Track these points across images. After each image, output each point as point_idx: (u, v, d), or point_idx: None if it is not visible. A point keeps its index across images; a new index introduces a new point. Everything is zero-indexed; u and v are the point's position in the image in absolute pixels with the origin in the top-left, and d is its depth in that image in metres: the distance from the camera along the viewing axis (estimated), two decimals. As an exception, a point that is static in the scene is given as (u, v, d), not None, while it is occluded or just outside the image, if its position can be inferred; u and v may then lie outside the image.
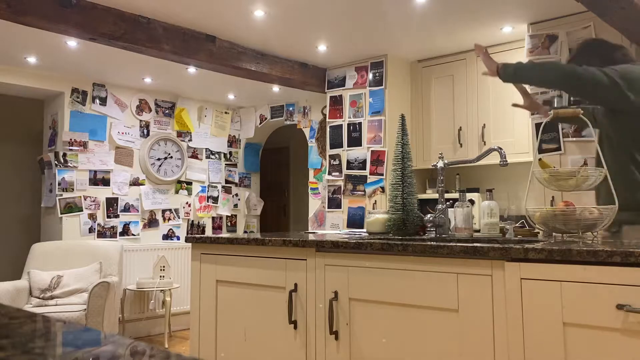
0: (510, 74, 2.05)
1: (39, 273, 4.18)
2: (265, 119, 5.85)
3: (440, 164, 2.27)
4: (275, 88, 5.12)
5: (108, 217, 4.96)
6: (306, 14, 3.51)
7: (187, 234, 5.54)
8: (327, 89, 4.70)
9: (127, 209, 5.10)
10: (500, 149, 2.19)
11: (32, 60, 4.25)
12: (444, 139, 4.29)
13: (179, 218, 5.49)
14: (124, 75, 4.78)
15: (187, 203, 5.57)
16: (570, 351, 1.39)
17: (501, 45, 4.03)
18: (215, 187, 5.83)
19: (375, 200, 4.29)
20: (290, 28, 3.76)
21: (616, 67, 1.94)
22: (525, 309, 1.46)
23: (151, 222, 5.28)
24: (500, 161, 2.19)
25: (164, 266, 4.89)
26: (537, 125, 3.56)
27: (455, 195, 3.89)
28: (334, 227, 4.54)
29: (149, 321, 5.16)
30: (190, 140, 5.63)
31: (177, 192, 5.50)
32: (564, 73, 1.95)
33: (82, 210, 4.80)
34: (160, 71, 4.61)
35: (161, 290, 4.87)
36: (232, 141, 6.04)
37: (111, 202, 4.99)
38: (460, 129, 4.19)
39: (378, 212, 2.27)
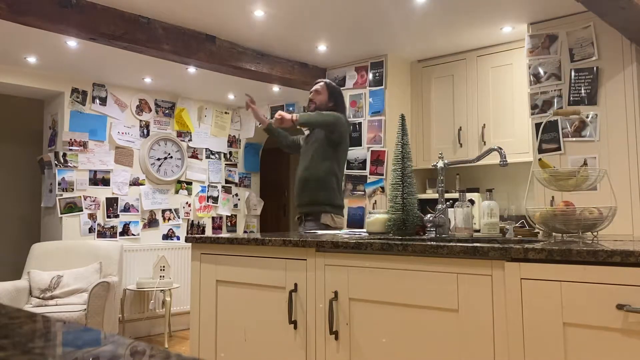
0: (302, 121, 2.94)
1: (39, 273, 4.18)
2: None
3: (440, 164, 2.27)
4: (275, 88, 5.12)
5: (108, 217, 4.96)
6: (306, 14, 3.51)
7: (187, 234, 5.54)
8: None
9: (127, 209, 5.10)
10: (500, 149, 2.19)
11: (32, 60, 4.25)
12: (444, 139, 4.29)
13: (179, 218, 5.49)
14: (124, 75, 4.78)
15: (187, 203, 5.57)
16: (570, 351, 1.39)
17: (501, 45, 4.04)
18: (215, 187, 5.83)
19: (375, 200, 4.29)
20: (290, 28, 3.76)
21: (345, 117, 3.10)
22: (525, 309, 1.46)
23: (151, 222, 5.28)
24: (500, 161, 2.19)
25: (164, 266, 4.89)
26: (537, 125, 3.56)
27: (455, 195, 3.89)
28: (334, 227, 4.54)
29: (149, 321, 5.16)
30: (190, 140, 5.63)
31: (177, 192, 5.50)
32: (325, 119, 2.97)
33: (82, 210, 4.80)
34: (160, 71, 4.61)
35: (161, 290, 4.87)
36: (232, 141, 6.04)
37: (111, 202, 4.99)
38: (460, 129, 4.19)
39: (378, 212, 2.27)
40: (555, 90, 3.50)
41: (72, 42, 3.83)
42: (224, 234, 2.46)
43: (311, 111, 3.11)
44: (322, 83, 3.19)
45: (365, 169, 4.37)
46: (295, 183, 3.14)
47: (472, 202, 3.98)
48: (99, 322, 3.96)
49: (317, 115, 2.96)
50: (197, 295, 2.32)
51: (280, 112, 2.92)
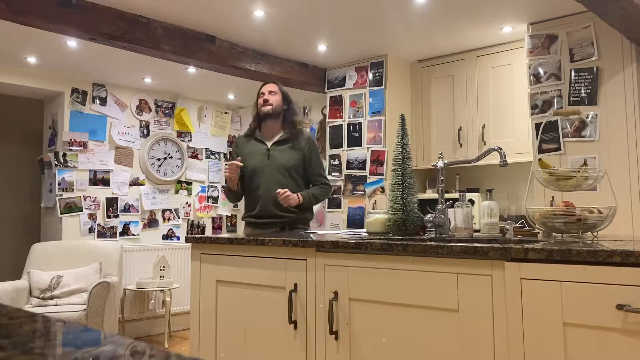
0: (305, 203, 2.88)
1: (39, 273, 4.18)
2: (265, 119, 5.84)
3: (440, 164, 2.27)
4: (275, 88, 5.12)
5: (108, 217, 4.96)
6: (306, 14, 3.51)
7: (187, 234, 5.54)
8: (327, 89, 4.70)
9: (127, 209, 5.10)
10: (500, 149, 2.19)
11: (32, 60, 4.25)
12: (444, 139, 4.29)
13: (179, 218, 5.49)
14: (124, 75, 4.78)
15: (187, 203, 5.57)
16: (570, 351, 1.39)
17: (501, 45, 4.03)
18: (215, 187, 5.83)
19: (375, 200, 4.29)
20: (290, 28, 3.76)
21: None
22: (525, 309, 1.46)
23: (151, 222, 5.28)
24: (500, 161, 2.19)
25: (164, 266, 4.89)
26: (537, 125, 3.56)
27: (455, 195, 3.89)
28: (334, 227, 4.54)
29: (149, 321, 5.16)
30: (190, 140, 5.63)
31: (177, 192, 5.50)
32: (316, 200, 2.94)
33: (82, 210, 4.80)
34: (160, 71, 4.61)
35: (161, 290, 4.87)
36: (232, 141, 6.03)
37: (111, 202, 4.99)
38: (460, 129, 4.19)
39: (378, 212, 2.27)
40: (555, 90, 3.50)
41: (72, 42, 3.83)
42: (224, 234, 2.46)
43: (267, 113, 2.90)
44: (273, 84, 2.99)
45: (365, 169, 4.37)
46: (270, 194, 2.82)
47: (472, 202, 3.98)
48: (99, 322, 3.96)
49: (315, 200, 2.90)
50: (197, 295, 2.32)
51: (288, 193, 2.73)
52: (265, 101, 2.92)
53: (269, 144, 2.93)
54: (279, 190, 2.75)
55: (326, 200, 4.63)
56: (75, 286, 4.17)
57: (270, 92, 2.93)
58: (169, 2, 3.31)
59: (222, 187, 3.11)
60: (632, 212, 3.17)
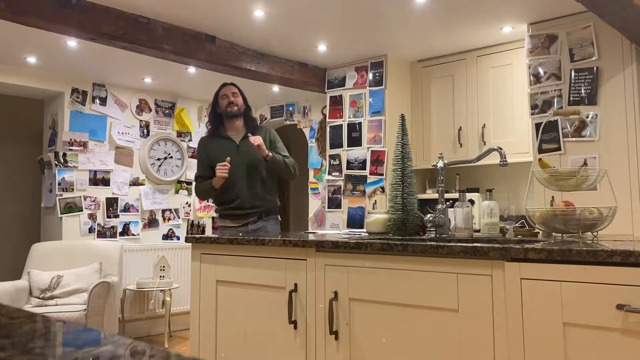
0: (271, 162, 3.07)
1: (39, 273, 4.18)
2: (265, 119, 5.85)
3: (440, 164, 2.27)
4: (275, 88, 5.12)
5: (108, 217, 4.96)
6: (306, 14, 3.51)
7: (187, 234, 5.54)
8: (327, 89, 4.70)
9: (127, 209, 5.10)
10: (500, 149, 2.19)
11: (32, 60, 4.25)
12: (444, 139, 4.29)
13: (179, 218, 5.49)
14: (124, 75, 4.78)
15: (187, 203, 5.57)
16: (570, 351, 1.39)
17: (501, 45, 4.03)
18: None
19: (375, 200, 4.29)
20: (290, 28, 3.76)
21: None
22: (525, 309, 1.46)
23: (151, 222, 5.28)
24: (500, 161, 2.19)
25: (164, 266, 4.89)
26: (537, 125, 3.56)
27: (455, 195, 3.89)
28: (334, 227, 4.54)
29: (149, 321, 5.16)
30: (190, 140, 5.62)
31: (177, 192, 5.50)
32: (287, 166, 3.13)
33: (82, 210, 4.80)
34: (160, 71, 4.61)
35: (161, 290, 4.87)
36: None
37: (111, 202, 4.99)
38: (460, 129, 4.19)
39: (378, 212, 2.27)
40: (555, 90, 3.50)
41: (72, 42, 3.83)
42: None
43: (234, 113, 3.17)
44: (234, 86, 3.24)
45: (365, 169, 4.37)
46: (246, 186, 3.06)
47: (472, 202, 3.98)
48: (99, 322, 3.96)
49: (285, 165, 3.10)
50: (197, 295, 2.32)
51: (261, 141, 2.97)
52: (231, 103, 3.18)
53: (237, 141, 3.16)
54: (249, 135, 3.01)
55: (326, 200, 4.63)
56: (75, 286, 4.17)
57: (234, 94, 3.21)
58: (169, 2, 3.31)
59: (197, 185, 3.23)
60: (632, 212, 3.17)
